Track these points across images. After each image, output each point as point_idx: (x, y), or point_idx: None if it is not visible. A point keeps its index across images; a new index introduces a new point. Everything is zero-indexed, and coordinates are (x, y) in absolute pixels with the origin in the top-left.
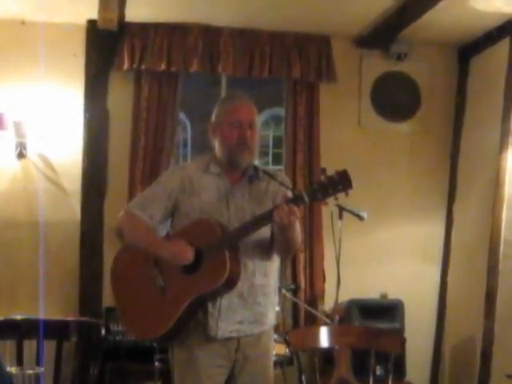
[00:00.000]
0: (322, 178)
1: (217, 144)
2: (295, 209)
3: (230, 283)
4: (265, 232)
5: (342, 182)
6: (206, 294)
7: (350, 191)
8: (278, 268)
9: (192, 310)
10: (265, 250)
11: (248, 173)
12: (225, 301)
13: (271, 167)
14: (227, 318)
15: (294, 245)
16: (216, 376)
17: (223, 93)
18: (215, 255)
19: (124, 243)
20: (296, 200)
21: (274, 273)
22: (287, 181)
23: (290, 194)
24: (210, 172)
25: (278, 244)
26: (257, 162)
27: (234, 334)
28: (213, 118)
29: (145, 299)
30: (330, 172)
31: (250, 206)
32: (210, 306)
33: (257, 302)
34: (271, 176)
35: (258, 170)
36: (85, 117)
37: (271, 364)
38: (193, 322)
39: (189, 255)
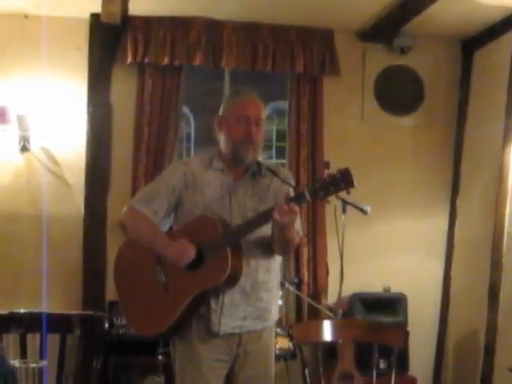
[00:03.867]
0: (325, 176)
1: (222, 138)
2: (295, 207)
3: (232, 280)
4: (267, 229)
5: (344, 180)
6: (207, 290)
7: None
8: (280, 264)
9: (194, 306)
10: (267, 246)
11: (251, 169)
12: (227, 297)
13: (274, 161)
14: (230, 315)
15: (291, 244)
16: (217, 369)
17: (226, 87)
18: (217, 252)
19: (127, 237)
20: (298, 198)
21: (277, 269)
22: (290, 177)
23: (291, 191)
24: (213, 167)
25: (276, 242)
26: (260, 157)
27: (237, 330)
28: (220, 111)
29: (147, 295)
30: (334, 166)
31: (252, 202)
32: (212, 302)
33: (259, 298)
34: (274, 173)
35: (260, 167)
36: (88, 111)
37: (272, 360)
38: (195, 317)
39: (190, 255)
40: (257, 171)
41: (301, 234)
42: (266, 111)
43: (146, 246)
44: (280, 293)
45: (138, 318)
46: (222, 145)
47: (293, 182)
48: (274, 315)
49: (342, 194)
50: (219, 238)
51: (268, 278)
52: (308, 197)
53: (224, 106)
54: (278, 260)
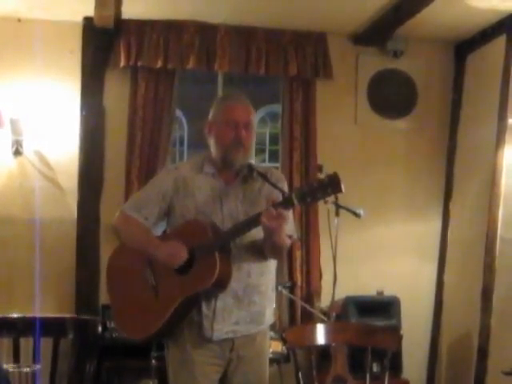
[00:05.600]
0: (314, 180)
1: (212, 142)
2: (283, 212)
3: (221, 284)
4: (259, 233)
5: (331, 185)
6: (196, 294)
7: (345, 189)
8: (275, 266)
9: (183, 310)
10: (259, 250)
11: (242, 173)
12: (220, 302)
13: (268, 164)
14: (223, 320)
15: (281, 247)
16: (210, 374)
17: (220, 90)
18: (206, 256)
19: (120, 242)
20: (285, 203)
21: (271, 271)
22: (282, 179)
23: (280, 196)
24: (204, 172)
25: (266, 246)
26: (253, 160)
27: (231, 335)
28: (210, 116)
29: (137, 299)
30: (327, 169)
31: (244, 206)
32: (204, 307)
33: (252, 302)
34: (264, 177)
35: (252, 170)
36: (81, 114)
37: (266, 364)
38: (187, 322)
39: (182, 255)
40: (248, 175)
41: (295, 236)
42: (256, 114)
43: (138, 249)
44: (274, 296)
45: (127, 323)
46: (212, 149)
47: (285, 185)
48: (269, 318)
49: (335, 197)
50: (208, 242)
51: (261, 282)
52: (295, 202)
53: (213, 110)
54: (272, 263)
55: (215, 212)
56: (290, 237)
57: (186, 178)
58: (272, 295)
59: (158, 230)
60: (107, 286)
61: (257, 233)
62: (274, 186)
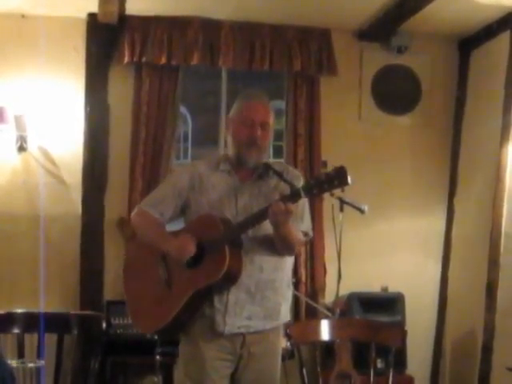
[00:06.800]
0: (321, 173)
1: (229, 139)
2: (290, 205)
3: (230, 277)
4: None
5: (338, 177)
6: (206, 287)
7: (350, 185)
8: (291, 263)
9: (195, 303)
10: (273, 245)
11: (258, 170)
12: (232, 296)
13: (272, 161)
14: (235, 314)
15: (290, 242)
16: (221, 369)
17: (224, 86)
18: (216, 250)
19: (134, 236)
20: (293, 196)
21: (287, 267)
22: (298, 177)
23: (288, 191)
24: (220, 169)
25: (276, 241)
26: (269, 158)
27: (243, 330)
28: (230, 113)
29: (151, 293)
30: (331, 165)
31: (258, 203)
32: (216, 301)
33: (266, 298)
34: (280, 176)
35: (268, 168)
36: (85, 110)
37: (277, 362)
38: (199, 317)
39: (190, 248)
40: (264, 173)
41: (311, 234)
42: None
43: (151, 244)
44: (290, 292)
45: (141, 317)
46: (228, 146)
47: (301, 182)
48: (284, 315)
49: (340, 192)
50: (219, 236)
51: (275, 277)
52: (302, 194)
53: (233, 108)
54: (288, 260)
55: (229, 207)
56: (306, 234)
57: (201, 175)
58: (287, 292)
59: (175, 228)
60: (124, 284)
61: (270, 227)
62: (289, 183)
